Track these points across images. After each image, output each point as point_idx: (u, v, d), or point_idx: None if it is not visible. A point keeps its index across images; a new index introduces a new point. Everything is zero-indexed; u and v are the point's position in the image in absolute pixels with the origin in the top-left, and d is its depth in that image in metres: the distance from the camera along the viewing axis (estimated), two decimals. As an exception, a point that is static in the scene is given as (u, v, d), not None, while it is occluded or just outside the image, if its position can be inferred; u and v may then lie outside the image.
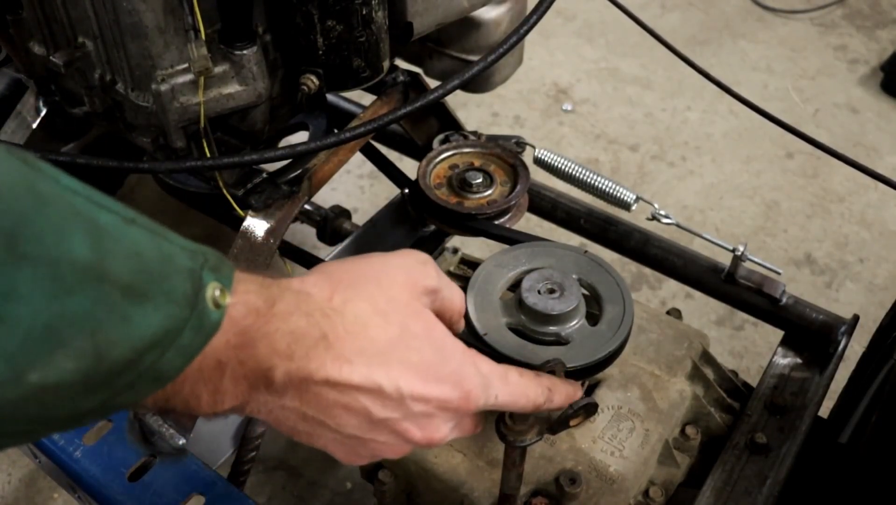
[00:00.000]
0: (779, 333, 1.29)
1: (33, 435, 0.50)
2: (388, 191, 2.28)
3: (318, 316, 0.59)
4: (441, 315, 0.73)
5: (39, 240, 0.43)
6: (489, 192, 1.19)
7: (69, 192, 0.46)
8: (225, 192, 1.07)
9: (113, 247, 0.47)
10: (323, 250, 1.55)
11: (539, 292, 0.99)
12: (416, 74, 1.29)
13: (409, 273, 0.69)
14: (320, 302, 0.61)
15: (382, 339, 0.62)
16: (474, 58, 1.28)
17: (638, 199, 1.29)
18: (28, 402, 0.44)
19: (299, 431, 0.63)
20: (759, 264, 1.24)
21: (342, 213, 1.64)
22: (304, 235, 1.90)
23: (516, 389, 0.72)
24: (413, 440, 0.65)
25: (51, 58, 1.01)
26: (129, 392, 0.49)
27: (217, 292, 0.52)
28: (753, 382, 1.22)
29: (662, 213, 1.28)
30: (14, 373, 0.42)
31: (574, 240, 1.50)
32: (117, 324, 0.46)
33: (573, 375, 0.94)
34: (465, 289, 1.03)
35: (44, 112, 1.26)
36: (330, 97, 1.56)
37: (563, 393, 0.77)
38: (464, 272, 1.30)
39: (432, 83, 1.27)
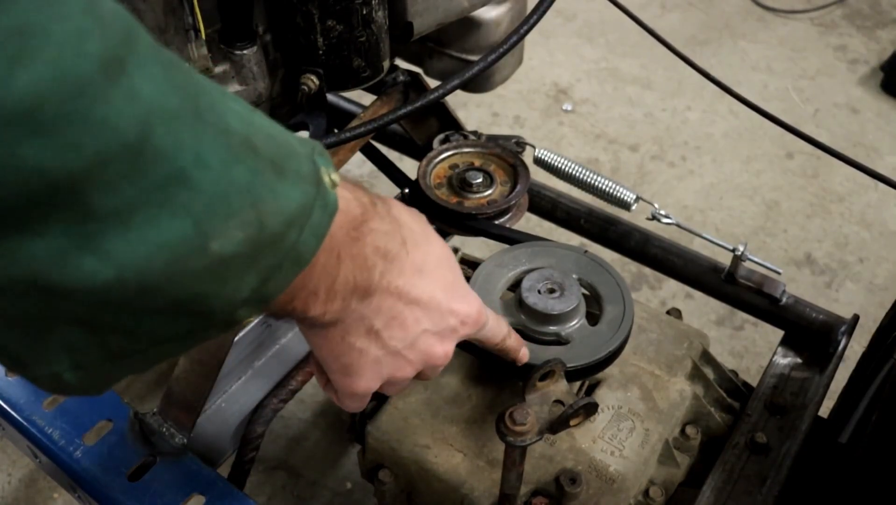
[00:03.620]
0: (779, 333, 1.29)
1: (189, 339, 0.50)
2: (388, 191, 2.27)
3: (394, 224, 0.65)
4: None
5: (213, 109, 0.45)
6: (489, 192, 1.19)
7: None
8: (225, 192, 1.07)
9: (254, 125, 0.49)
10: (323, 250, 1.56)
11: (539, 292, 0.99)
12: (416, 74, 1.29)
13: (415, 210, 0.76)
14: (391, 210, 0.66)
15: (435, 254, 0.70)
16: (474, 58, 1.28)
17: (638, 199, 1.29)
18: (207, 276, 0.46)
19: (353, 350, 0.67)
20: (759, 264, 1.24)
21: (342, 213, 1.64)
22: (304, 235, 1.90)
23: (495, 321, 0.82)
24: (433, 356, 0.72)
25: (51, 58, 1.01)
26: (277, 277, 0.51)
27: (331, 174, 0.54)
28: (753, 382, 1.22)
29: (662, 213, 1.28)
30: (201, 239, 0.44)
31: (574, 240, 1.50)
32: (270, 196, 0.48)
33: (573, 375, 0.95)
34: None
35: (44, 112, 1.26)
36: (330, 97, 1.56)
37: (515, 337, 0.88)
38: (464, 272, 1.30)
39: (432, 83, 1.27)
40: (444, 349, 0.73)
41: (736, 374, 1.23)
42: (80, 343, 0.46)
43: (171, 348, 0.50)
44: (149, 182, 0.41)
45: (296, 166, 0.51)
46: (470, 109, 2.62)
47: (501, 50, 1.02)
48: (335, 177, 0.55)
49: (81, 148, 0.38)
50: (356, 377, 0.69)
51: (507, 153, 1.23)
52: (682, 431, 1.08)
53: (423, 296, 0.67)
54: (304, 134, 1.20)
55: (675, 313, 1.25)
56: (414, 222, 0.69)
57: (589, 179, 1.31)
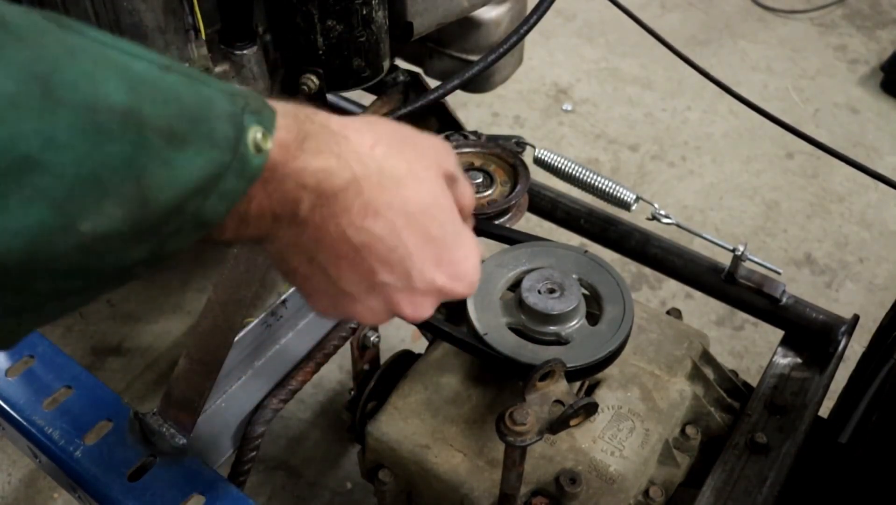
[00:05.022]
0: (779, 333, 1.29)
1: (87, 294, 0.49)
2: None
3: (351, 160, 0.58)
4: None
5: (74, 86, 0.42)
6: (489, 192, 1.19)
7: (100, 43, 0.46)
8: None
9: (150, 92, 0.46)
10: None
11: (539, 292, 0.99)
12: (416, 74, 1.29)
13: (438, 152, 0.67)
14: (357, 147, 0.60)
15: (413, 201, 0.61)
16: (474, 58, 1.28)
17: (638, 199, 1.29)
18: (80, 252, 0.44)
19: (298, 273, 0.62)
20: (759, 264, 1.24)
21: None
22: (304, 235, 1.90)
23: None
24: (400, 314, 0.65)
25: (51, 58, 1.01)
26: (176, 239, 0.49)
27: (259, 136, 0.51)
28: (753, 382, 1.22)
29: (662, 213, 1.28)
30: (65, 221, 0.42)
31: (574, 240, 1.50)
32: (160, 169, 0.45)
33: (573, 375, 0.95)
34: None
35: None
36: (330, 97, 1.56)
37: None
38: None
39: (432, 83, 1.27)
40: (413, 312, 0.65)
41: (736, 374, 1.23)
42: None
43: (72, 302, 0.49)
44: None
45: (207, 131, 0.48)
46: (470, 109, 2.62)
47: (501, 50, 1.02)
48: (266, 140, 0.51)
49: None
50: (310, 299, 0.65)
51: (507, 153, 1.23)
52: (682, 431, 1.08)
53: (377, 245, 0.60)
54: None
55: (675, 313, 1.25)
56: (393, 160, 0.61)
57: (589, 179, 1.31)
